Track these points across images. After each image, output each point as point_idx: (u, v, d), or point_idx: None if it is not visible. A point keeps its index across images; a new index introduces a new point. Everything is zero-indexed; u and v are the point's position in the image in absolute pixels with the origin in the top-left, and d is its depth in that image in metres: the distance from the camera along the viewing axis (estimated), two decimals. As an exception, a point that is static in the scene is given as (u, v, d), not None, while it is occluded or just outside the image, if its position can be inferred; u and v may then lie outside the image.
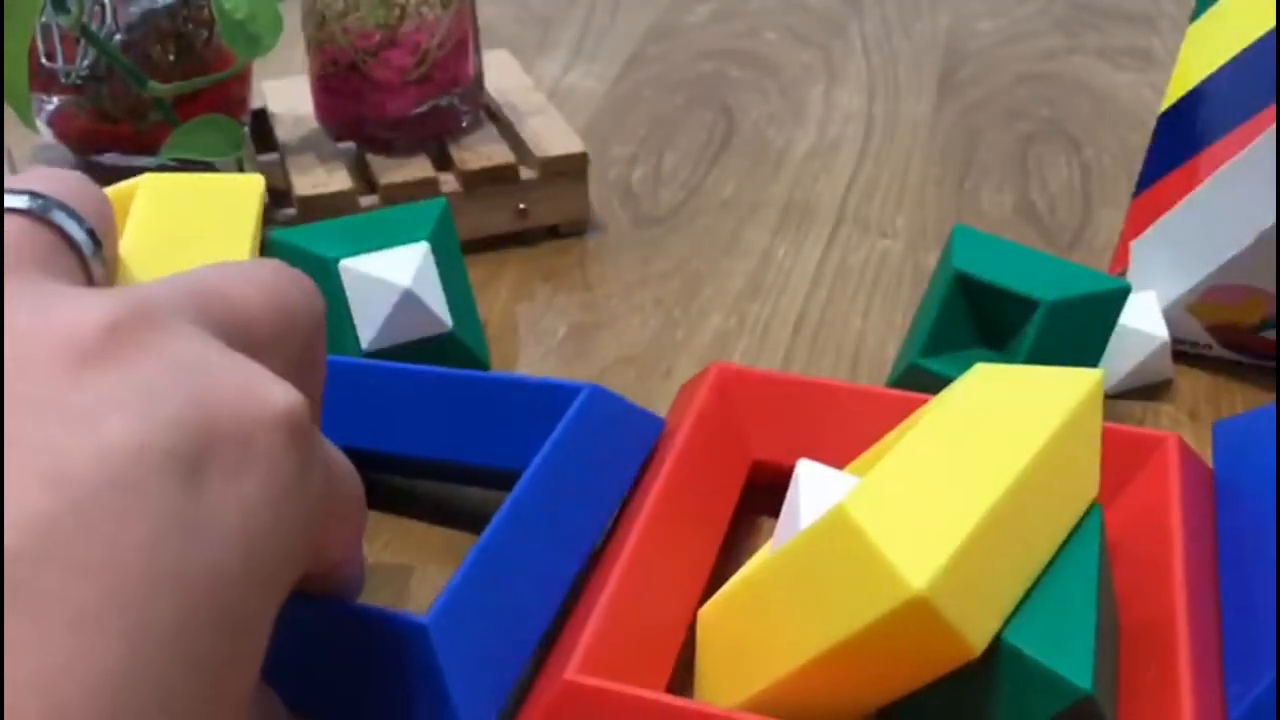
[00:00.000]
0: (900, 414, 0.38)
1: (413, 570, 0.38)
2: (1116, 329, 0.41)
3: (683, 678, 0.34)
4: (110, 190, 0.30)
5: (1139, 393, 0.44)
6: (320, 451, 0.23)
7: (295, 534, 0.22)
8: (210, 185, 0.33)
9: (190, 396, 0.20)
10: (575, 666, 0.29)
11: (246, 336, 0.23)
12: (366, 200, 0.51)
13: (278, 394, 0.21)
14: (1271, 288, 0.43)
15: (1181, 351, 0.45)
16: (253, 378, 0.21)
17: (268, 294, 0.24)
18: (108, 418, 0.19)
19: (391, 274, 0.42)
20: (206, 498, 0.19)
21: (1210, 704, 0.29)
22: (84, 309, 0.21)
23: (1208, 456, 0.41)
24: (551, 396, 0.37)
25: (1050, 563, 0.30)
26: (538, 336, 0.48)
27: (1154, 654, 0.30)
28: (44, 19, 0.47)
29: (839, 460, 0.38)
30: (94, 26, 0.46)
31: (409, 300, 0.42)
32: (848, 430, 0.38)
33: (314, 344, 0.26)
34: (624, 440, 0.38)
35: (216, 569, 0.19)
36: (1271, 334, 0.44)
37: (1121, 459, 0.36)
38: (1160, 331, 0.44)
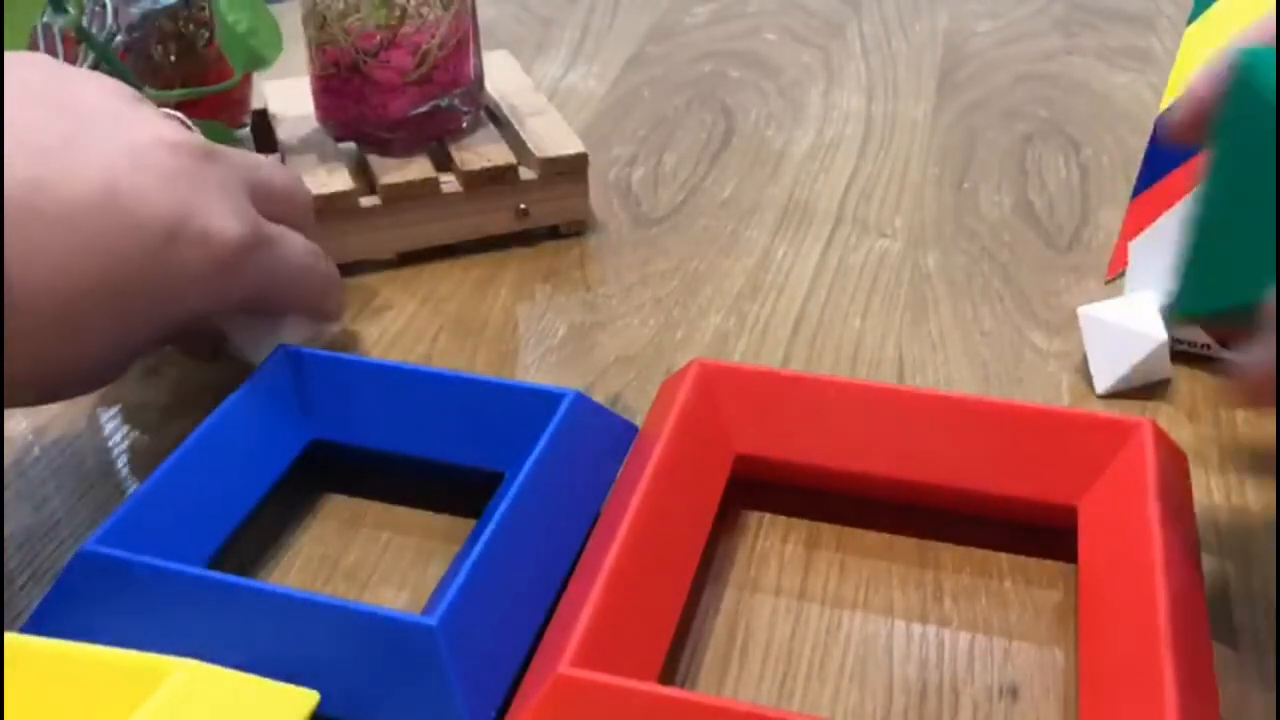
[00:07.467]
0: (879, 404, 0.38)
1: (408, 565, 0.38)
2: (1116, 329, 0.40)
3: (673, 669, 0.34)
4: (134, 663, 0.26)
5: (1138, 392, 0.44)
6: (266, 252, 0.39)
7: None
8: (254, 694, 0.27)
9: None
10: (568, 660, 0.29)
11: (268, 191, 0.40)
12: (366, 200, 0.51)
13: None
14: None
15: (1181, 351, 0.45)
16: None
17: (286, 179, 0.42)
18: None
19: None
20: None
21: (1193, 687, 0.29)
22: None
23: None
24: (535, 401, 0.38)
25: None
26: (538, 336, 0.48)
27: (1135, 636, 0.30)
28: (44, 19, 0.47)
29: (820, 452, 0.38)
30: (95, 27, 0.46)
31: None
32: (829, 422, 0.38)
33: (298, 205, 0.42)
34: (604, 445, 0.39)
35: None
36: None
37: (1097, 445, 0.36)
38: (1159, 332, 0.44)
